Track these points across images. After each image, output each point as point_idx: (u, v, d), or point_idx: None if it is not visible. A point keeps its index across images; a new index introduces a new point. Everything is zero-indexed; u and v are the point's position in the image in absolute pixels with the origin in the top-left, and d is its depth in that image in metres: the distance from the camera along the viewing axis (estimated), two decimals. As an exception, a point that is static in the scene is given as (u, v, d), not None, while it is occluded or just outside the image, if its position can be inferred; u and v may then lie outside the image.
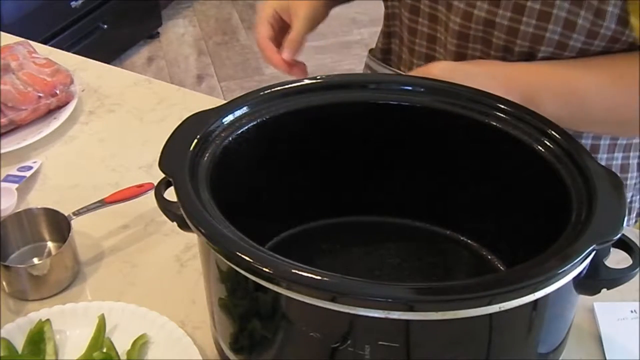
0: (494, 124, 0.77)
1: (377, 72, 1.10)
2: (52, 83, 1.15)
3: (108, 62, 1.36)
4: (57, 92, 1.15)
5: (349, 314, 0.60)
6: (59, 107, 1.15)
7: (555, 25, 0.88)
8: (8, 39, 1.32)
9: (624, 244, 0.66)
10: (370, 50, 1.15)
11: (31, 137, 1.10)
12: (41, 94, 1.14)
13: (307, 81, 0.81)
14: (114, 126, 1.16)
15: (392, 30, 1.08)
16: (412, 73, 0.92)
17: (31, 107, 1.13)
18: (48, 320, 0.83)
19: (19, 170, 1.04)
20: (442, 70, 0.88)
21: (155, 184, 0.73)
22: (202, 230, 0.64)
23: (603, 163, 0.99)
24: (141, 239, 0.96)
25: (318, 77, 0.82)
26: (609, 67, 0.90)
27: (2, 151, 1.08)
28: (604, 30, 0.88)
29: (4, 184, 1.01)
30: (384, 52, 1.11)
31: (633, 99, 0.88)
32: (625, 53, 0.90)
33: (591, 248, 0.62)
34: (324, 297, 0.60)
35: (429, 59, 1.02)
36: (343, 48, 3.00)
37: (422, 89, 0.80)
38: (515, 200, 0.78)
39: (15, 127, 1.13)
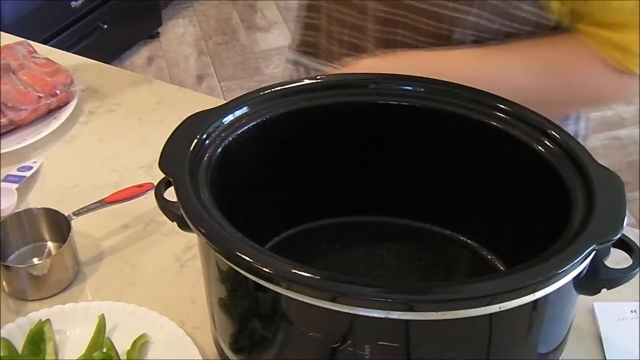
0: (494, 124, 0.77)
1: (307, 68, 1.11)
2: (52, 83, 1.15)
3: (108, 62, 1.36)
4: (57, 92, 1.15)
5: (349, 314, 0.60)
6: (59, 107, 1.15)
7: (480, 10, 0.89)
8: (8, 39, 1.32)
9: (624, 244, 0.66)
10: (290, 45, 1.14)
11: (31, 137, 1.10)
12: (41, 94, 1.14)
13: (307, 81, 0.81)
14: (114, 126, 1.16)
15: (314, 22, 1.07)
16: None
17: (31, 107, 1.13)
18: (48, 320, 0.83)
19: (19, 170, 1.04)
20: (363, 70, 0.89)
21: (155, 184, 0.73)
22: (202, 230, 0.64)
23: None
24: (141, 239, 0.96)
25: (318, 77, 0.82)
26: (527, 52, 0.92)
27: (2, 151, 1.08)
28: (526, 14, 0.89)
29: (4, 184, 1.01)
30: (307, 45, 1.10)
31: (543, 82, 0.89)
32: (549, 37, 0.92)
33: (591, 248, 0.62)
34: (324, 297, 0.60)
35: (356, 48, 1.01)
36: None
37: (422, 89, 0.80)
38: (516, 200, 0.78)
39: (15, 127, 1.13)
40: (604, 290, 0.66)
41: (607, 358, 0.81)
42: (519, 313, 0.62)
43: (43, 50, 1.30)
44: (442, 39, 0.93)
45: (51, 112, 1.15)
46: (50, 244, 0.94)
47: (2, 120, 1.11)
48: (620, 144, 2.46)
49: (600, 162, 0.70)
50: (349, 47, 1.02)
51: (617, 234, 0.63)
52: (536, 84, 0.92)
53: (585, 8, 0.89)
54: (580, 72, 0.93)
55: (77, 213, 0.93)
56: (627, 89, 0.94)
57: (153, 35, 3.03)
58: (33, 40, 1.30)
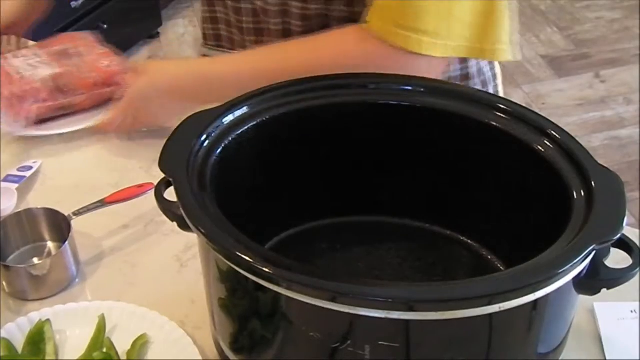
0: (494, 124, 0.77)
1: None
2: (109, 72, 1.16)
3: (108, 62, 1.36)
4: (113, 81, 1.15)
5: (349, 314, 0.60)
6: (111, 96, 1.15)
7: None
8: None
9: (624, 244, 0.65)
10: (203, 40, 1.17)
11: (83, 123, 1.12)
12: (97, 81, 1.14)
13: (307, 81, 0.81)
14: (114, 126, 1.16)
15: (215, 15, 1.10)
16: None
17: (88, 92, 1.14)
18: (48, 320, 0.83)
19: (19, 170, 1.04)
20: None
21: (155, 184, 0.73)
22: (202, 230, 0.64)
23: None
24: (141, 239, 0.96)
25: (318, 77, 0.82)
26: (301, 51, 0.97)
27: (56, 132, 1.10)
28: None
29: (4, 184, 1.01)
30: (215, 38, 1.13)
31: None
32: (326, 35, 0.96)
33: (591, 248, 0.62)
34: (324, 297, 0.60)
35: (259, 33, 1.05)
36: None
37: (422, 89, 0.80)
38: (515, 200, 0.78)
39: (71, 112, 1.14)
40: (604, 290, 0.66)
41: (607, 358, 0.81)
42: (519, 313, 0.62)
43: (43, 50, 1.29)
44: (309, 20, 0.98)
45: (107, 102, 1.15)
46: (50, 244, 0.94)
47: (57, 102, 1.12)
48: (620, 144, 2.46)
49: (600, 162, 0.70)
50: (253, 33, 1.06)
51: (617, 234, 0.63)
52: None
53: None
54: (355, 58, 0.93)
55: (77, 213, 0.93)
56: (419, 71, 0.87)
57: (153, 35, 3.03)
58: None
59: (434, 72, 0.91)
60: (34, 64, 1.15)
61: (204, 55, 1.16)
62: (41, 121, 1.12)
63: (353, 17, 0.96)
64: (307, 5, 0.98)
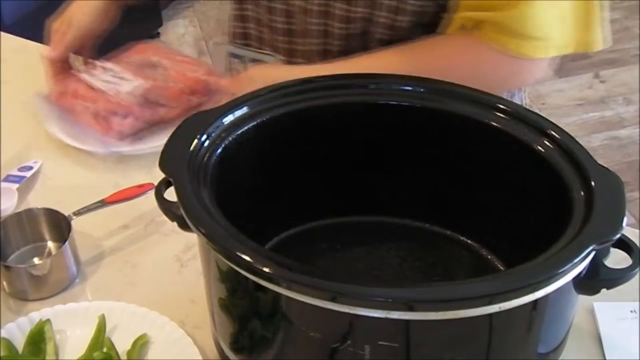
0: (494, 124, 0.77)
1: (243, 59, 1.12)
2: (193, 79, 1.13)
3: (108, 62, 1.36)
4: (205, 90, 1.12)
5: (349, 314, 0.60)
6: (200, 105, 1.12)
7: None
8: (8, 39, 1.32)
9: (624, 244, 0.65)
10: (230, 38, 1.15)
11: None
12: (184, 90, 1.11)
13: (307, 81, 0.81)
14: (114, 126, 1.16)
15: (245, 14, 1.09)
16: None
17: (174, 102, 1.11)
18: (48, 320, 0.83)
19: (19, 170, 1.04)
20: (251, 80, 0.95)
21: (155, 184, 0.73)
22: (202, 230, 0.64)
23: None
24: (141, 239, 0.96)
25: (318, 77, 0.82)
26: (413, 56, 0.97)
27: (155, 145, 1.06)
28: None
29: (4, 184, 1.01)
30: (243, 36, 1.12)
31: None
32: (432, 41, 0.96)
33: (591, 248, 0.62)
34: (324, 297, 0.60)
35: (291, 33, 1.04)
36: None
37: (422, 89, 0.80)
38: (515, 200, 0.78)
39: (160, 123, 1.11)
40: (604, 290, 0.66)
41: (607, 358, 0.81)
42: (519, 313, 0.62)
43: (43, 50, 1.29)
44: (350, 22, 0.97)
45: (192, 109, 1.12)
46: (50, 244, 0.94)
47: (149, 116, 1.09)
48: (620, 144, 2.46)
49: (600, 162, 0.70)
50: (284, 33, 1.05)
51: (617, 234, 0.63)
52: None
53: None
54: (469, 68, 0.95)
55: (77, 213, 0.93)
56: (531, 74, 0.94)
57: (153, 35, 3.03)
58: (33, 40, 1.30)
59: (542, 72, 0.95)
60: (113, 80, 1.12)
61: (231, 54, 1.14)
62: (133, 137, 1.09)
63: (396, 23, 0.96)
64: (351, 8, 0.97)
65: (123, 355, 0.81)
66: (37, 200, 1.01)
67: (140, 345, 0.81)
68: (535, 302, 0.61)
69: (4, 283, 0.89)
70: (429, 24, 0.98)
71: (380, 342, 0.62)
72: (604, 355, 0.81)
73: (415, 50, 0.97)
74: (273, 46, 1.08)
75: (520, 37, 0.90)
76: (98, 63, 1.16)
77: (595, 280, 0.65)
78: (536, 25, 0.90)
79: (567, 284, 0.62)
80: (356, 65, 0.96)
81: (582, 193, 0.68)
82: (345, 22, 0.99)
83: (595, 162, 0.70)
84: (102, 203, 0.96)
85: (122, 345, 0.81)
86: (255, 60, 1.09)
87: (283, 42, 1.07)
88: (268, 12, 1.05)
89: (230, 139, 0.75)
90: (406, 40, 0.98)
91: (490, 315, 0.60)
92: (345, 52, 1.01)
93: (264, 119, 0.78)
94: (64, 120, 1.12)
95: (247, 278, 0.63)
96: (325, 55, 1.04)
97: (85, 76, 1.13)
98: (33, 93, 1.15)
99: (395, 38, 0.98)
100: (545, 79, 0.95)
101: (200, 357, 0.79)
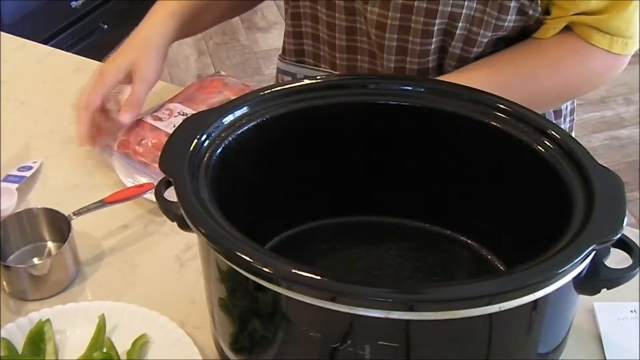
0: (494, 124, 0.77)
1: (294, 77, 1.09)
2: None
3: (108, 62, 1.36)
4: None
5: (349, 314, 0.60)
6: None
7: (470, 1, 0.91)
8: (8, 39, 1.32)
9: (624, 244, 0.65)
10: (281, 54, 1.12)
11: None
12: None
13: (307, 81, 0.81)
14: (114, 126, 1.16)
15: (301, 30, 1.06)
16: None
17: None
18: (48, 320, 0.83)
19: (19, 170, 1.04)
20: None
21: (155, 184, 0.73)
22: (202, 230, 0.64)
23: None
24: (141, 239, 0.96)
25: (318, 77, 0.82)
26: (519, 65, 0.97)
27: None
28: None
29: (4, 184, 1.01)
30: (296, 53, 1.08)
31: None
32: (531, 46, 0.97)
33: (591, 248, 0.62)
34: (324, 297, 0.60)
35: (351, 51, 1.02)
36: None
37: (422, 89, 0.80)
38: (516, 200, 0.78)
39: None
40: (604, 290, 0.66)
41: (607, 358, 0.81)
42: (519, 313, 0.62)
43: (43, 50, 1.30)
44: (428, 36, 0.94)
45: None
46: (50, 244, 0.94)
47: None
48: (620, 144, 2.46)
49: (600, 162, 0.70)
50: (345, 50, 1.02)
51: (617, 234, 0.63)
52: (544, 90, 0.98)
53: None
54: (573, 67, 0.97)
55: (77, 213, 0.93)
56: (615, 70, 0.99)
57: (153, 35, 3.02)
58: (33, 40, 1.30)
59: (624, 66, 0.99)
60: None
61: (281, 70, 1.11)
62: None
63: (471, 35, 0.95)
64: (429, 20, 0.93)
65: (123, 355, 0.80)
66: (37, 200, 1.01)
67: (140, 345, 0.81)
68: (535, 302, 0.61)
69: (4, 283, 0.89)
70: (507, 38, 0.97)
71: (380, 342, 0.62)
72: (604, 355, 0.81)
73: (514, 59, 0.97)
74: (332, 64, 1.04)
75: (613, 34, 0.94)
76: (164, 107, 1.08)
77: (596, 280, 0.65)
78: (629, 25, 0.94)
79: (567, 284, 0.62)
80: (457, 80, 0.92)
81: (582, 193, 0.68)
82: (422, 36, 0.95)
83: (596, 162, 0.70)
84: (102, 203, 0.96)
85: (122, 345, 0.81)
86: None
87: (344, 60, 1.03)
88: (328, 29, 1.01)
89: (230, 139, 0.75)
90: (486, 56, 0.97)
91: (490, 315, 0.60)
92: (420, 71, 0.98)
93: (264, 119, 0.78)
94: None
95: (247, 278, 0.63)
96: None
97: (152, 120, 1.05)
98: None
99: (474, 54, 0.97)
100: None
101: (200, 357, 0.79)
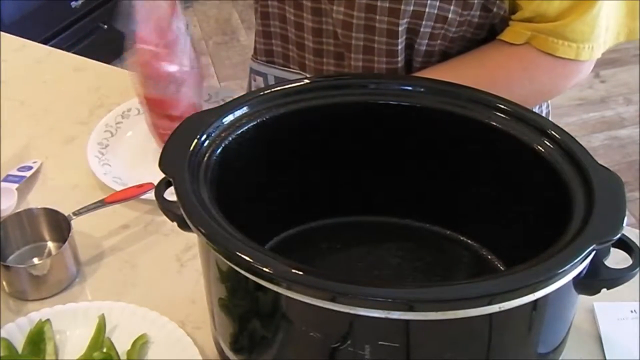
0: (494, 124, 0.77)
1: (265, 77, 1.10)
2: None
3: (108, 62, 1.36)
4: None
5: (349, 314, 0.60)
6: None
7: (433, 1, 0.91)
8: (8, 39, 1.32)
9: (624, 244, 0.66)
10: (253, 54, 1.12)
11: None
12: None
13: (307, 81, 0.81)
14: (114, 126, 1.16)
15: (270, 30, 1.06)
16: None
17: None
18: (48, 320, 0.83)
19: (19, 170, 1.04)
20: None
21: (155, 184, 0.73)
22: (202, 230, 0.64)
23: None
24: (141, 239, 0.96)
25: (318, 77, 0.82)
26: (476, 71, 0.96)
27: None
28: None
29: (4, 184, 1.01)
30: (266, 53, 1.08)
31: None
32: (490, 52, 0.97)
33: (591, 248, 0.62)
34: (324, 297, 0.60)
35: (319, 53, 1.02)
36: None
37: (422, 89, 0.80)
38: (516, 200, 0.78)
39: None
40: (603, 290, 0.66)
41: (607, 358, 0.81)
42: (519, 313, 0.62)
43: (43, 50, 1.30)
44: (394, 36, 0.94)
45: None
46: (50, 244, 0.94)
47: None
48: (620, 144, 2.46)
49: (600, 162, 0.70)
50: (312, 52, 1.02)
51: (617, 234, 0.63)
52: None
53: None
54: (524, 76, 0.97)
55: (77, 213, 0.93)
56: (583, 73, 0.97)
57: (153, 35, 3.02)
58: (33, 40, 1.30)
59: (589, 71, 0.98)
60: None
61: (253, 70, 1.11)
62: None
63: (435, 31, 0.94)
64: (394, 20, 0.93)
65: (123, 355, 0.81)
66: (37, 200, 1.01)
67: (140, 346, 0.81)
68: (535, 302, 0.61)
69: (4, 283, 0.89)
70: (476, 40, 0.97)
71: (380, 342, 0.62)
72: (604, 355, 0.81)
73: (466, 63, 0.97)
74: (301, 64, 1.04)
75: (571, 41, 0.92)
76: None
77: (596, 280, 0.65)
78: (593, 28, 0.92)
79: (567, 284, 0.62)
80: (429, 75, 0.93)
81: (582, 193, 0.68)
82: (389, 36, 0.95)
83: (596, 162, 0.70)
84: (102, 203, 0.96)
85: (122, 345, 0.81)
86: (279, 79, 1.07)
87: (311, 61, 1.03)
88: (297, 29, 1.01)
89: (230, 139, 0.75)
90: (452, 55, 0.98)
91: (490, 315, 0.60)
92: (388, 71, 0.98)
93: (264, 119, 0.78)
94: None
95: (247, 278, 0.63)
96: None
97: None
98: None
99: (439, 47, 0.97)
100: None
101: (200, 357, 0.79)
